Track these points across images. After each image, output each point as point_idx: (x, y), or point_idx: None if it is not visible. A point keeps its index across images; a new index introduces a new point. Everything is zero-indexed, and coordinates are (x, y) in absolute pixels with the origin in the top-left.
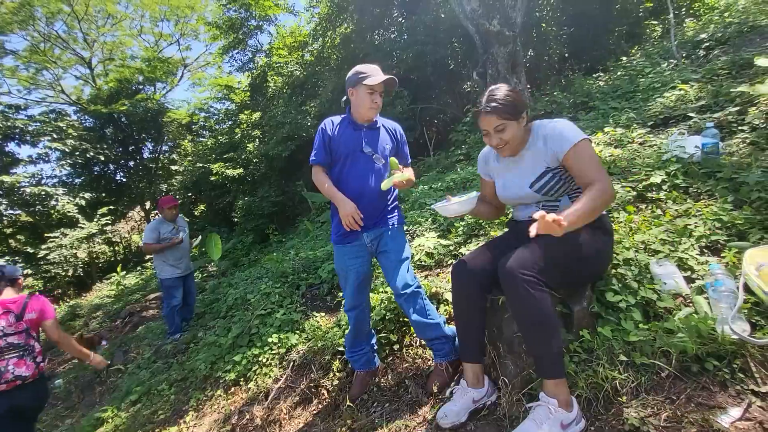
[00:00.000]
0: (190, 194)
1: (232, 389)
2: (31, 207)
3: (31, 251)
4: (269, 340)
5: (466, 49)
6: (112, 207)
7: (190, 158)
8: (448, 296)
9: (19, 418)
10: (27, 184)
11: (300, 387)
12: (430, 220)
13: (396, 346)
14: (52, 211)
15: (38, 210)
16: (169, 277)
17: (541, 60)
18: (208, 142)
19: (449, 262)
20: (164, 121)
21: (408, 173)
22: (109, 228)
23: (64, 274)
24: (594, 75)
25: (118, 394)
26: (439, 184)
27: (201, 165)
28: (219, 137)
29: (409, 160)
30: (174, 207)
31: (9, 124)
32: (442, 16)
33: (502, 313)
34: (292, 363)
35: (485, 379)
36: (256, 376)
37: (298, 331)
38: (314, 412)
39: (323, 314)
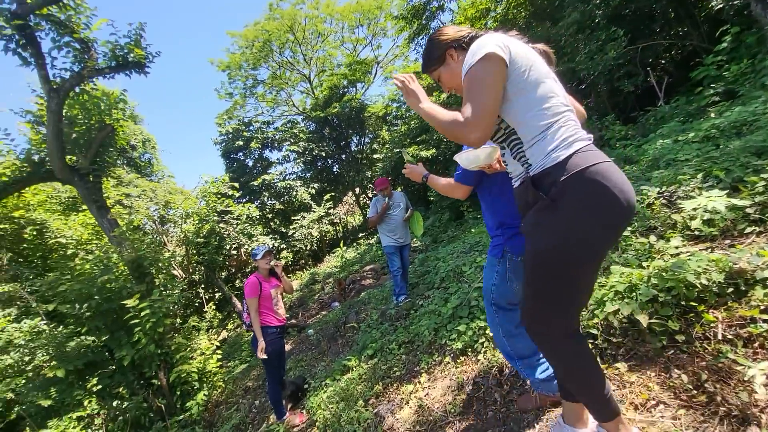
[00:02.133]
0: (389, 178)
1: (461, 358)
2: (281, 197)
3: (284, 230)
4: None
5: None
6: (333, 194)
7: (387, 146)
8: (760, 274)
9: None
10: (278, 180)
11: None
12: (701, 175)
13: (680, 337)
14: (294, 200)
15: (286, 199)
16: (386, 245)
17: None
18: (402, 129)
19: (744, 230)
20: (365, 116)
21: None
22: (332, 211)
23: (305, 248)
24: None
25: (356, 347)
26: (692, 134)
27: (397, 150)
28: (410, 122)
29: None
30: (385, 188)
31: (264, 136)
32: None
33: None
34: None
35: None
36: (484, 349)
37: None
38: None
39: None
